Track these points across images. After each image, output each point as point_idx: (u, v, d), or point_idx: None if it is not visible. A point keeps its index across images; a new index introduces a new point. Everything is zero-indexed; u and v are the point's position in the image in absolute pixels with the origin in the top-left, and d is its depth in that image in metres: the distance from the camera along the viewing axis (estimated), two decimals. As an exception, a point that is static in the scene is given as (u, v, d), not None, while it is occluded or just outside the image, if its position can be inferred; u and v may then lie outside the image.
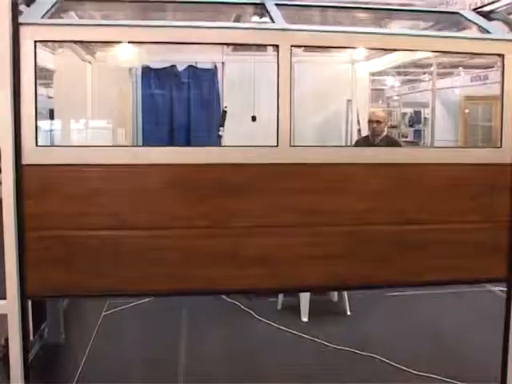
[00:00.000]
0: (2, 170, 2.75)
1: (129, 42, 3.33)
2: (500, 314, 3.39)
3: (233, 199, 2.92)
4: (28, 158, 2.73)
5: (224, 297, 5.63)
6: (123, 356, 4.33)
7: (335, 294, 5.52)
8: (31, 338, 4.00)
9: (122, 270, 2.89)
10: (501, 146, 3.09)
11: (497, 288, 5.72)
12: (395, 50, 3.54)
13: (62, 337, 4.45)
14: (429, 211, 3.10)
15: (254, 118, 6.59)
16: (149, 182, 2.87)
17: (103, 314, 5.08)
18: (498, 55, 3.06)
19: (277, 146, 2.91)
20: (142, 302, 5.44)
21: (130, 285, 2.92)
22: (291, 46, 2.88)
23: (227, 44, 3.31)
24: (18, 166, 2.72)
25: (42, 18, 2.79)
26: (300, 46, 3.07)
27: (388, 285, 3.55)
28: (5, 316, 2.91)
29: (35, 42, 2.70)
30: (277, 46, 2.89)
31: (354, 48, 3.45)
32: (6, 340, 3.03)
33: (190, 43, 3.12)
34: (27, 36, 2.66)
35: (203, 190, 2.89)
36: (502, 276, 3.22)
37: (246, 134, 6.50)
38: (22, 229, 2.76)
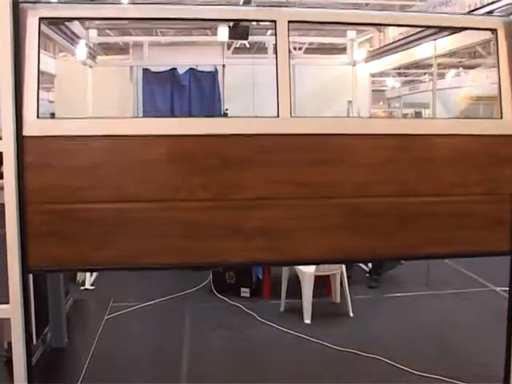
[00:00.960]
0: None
1: (126, 19, 3.35)
2: (503, 313, 3.40)
3: (233, 172, 2.92)
4: (29, 130, 2.73)
5: (226, 299, 5.64)
6: (126, 359, 4.34)
7: (338, 295, 5.52)
8: (34, 341, 4.00)
9: (124, 243, 2.89)
10: (501, 117, 3.10)
11: (499, 288, 5.71)
12: (389, 25, 3.55)
13: (65, 340, 4.45)
14: (431, 183, 3.08)
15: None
16: (150, 153, 2.86)
17: (106, 317, 5.08)
18: (491, 30, 3.12)
19: (277, 116, 2.93)
20: (144, 305, 5.44)
21: (132, 258, 2.92)
22: (288, 22, 2.94)
23: (225, 20, 3.32)
24: (19, 137, 2.72)
25: None
26: (296, 22, 3.10)
27: (390, 257, 3.53)
28: (8, 320, 2.92)
29: (39, 19, 2.78)
30: (274, 21, 2.95)
31: (349, 24, 3.45)
32: (10, 344, 3.03)
33: (189, 19, 3.14)
34: (33, 13, 2.74)
35: (204, 163, 2.89)
36: (505, 249, 3.21)
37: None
38: (23, 202, 2.75)
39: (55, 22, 3.70)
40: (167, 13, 3.01)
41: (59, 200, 2.82)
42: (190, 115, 7.64)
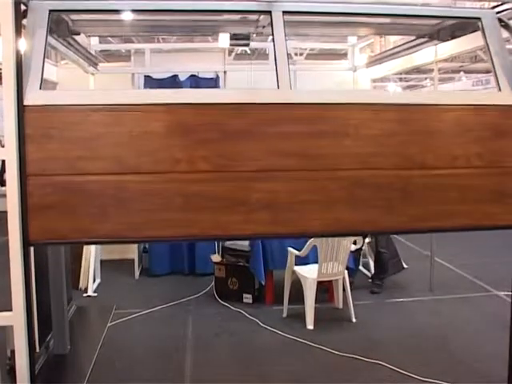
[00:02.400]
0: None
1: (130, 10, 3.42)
2: (506, 318, 3.39)
3: (235, 144, 2.92)
4: (30, 100, 2.75)
5: (229, 305, 5.64)
6: (129, 366, 4.34)
7: (340, 301, 5.52)
8: (37, 349, 4.00)
9: (125, 216, 2.89)
10: (500, 90, 3.16)
11: (503, 293, 5.71)
12: (379, 15, 3.62)
13: (68, 347, 4.45)
14: (433, 156, 3.09)
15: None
16: (150, 125, 2.87)
17: (109, 324, 5.08)
18: (476, 18, 3.34)
19: (278, 88, 2.97)
20: (147, 311, 5.45)
21: (133, 231, 2.92)
22: (283, 12, 3.11)
23: (221, 11, 3.39)
24: (20, 106, 2.73)
25: None
26: (291, 12, 3.18)
27: (392, 231, 3.52)
28: (11, 328, 2.92)
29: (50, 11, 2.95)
30: (269, 12, 3.12)
31: (338, 15, 3.52)
32: (13, 352, 3.03)
33: (189, 11, 3.23)
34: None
35: (205, 135, 2.89)
36: (508, 224, 3.22)
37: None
38: (24, 174, 2.76)
39: (63, 35, 3.76)
40: (166, 6, 3.14)
41: (60, 172, 2.82)
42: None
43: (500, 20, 3.36)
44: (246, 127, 2.93)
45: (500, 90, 3.17)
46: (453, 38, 3.97)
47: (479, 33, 3.37)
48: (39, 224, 2.82)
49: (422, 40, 4.27)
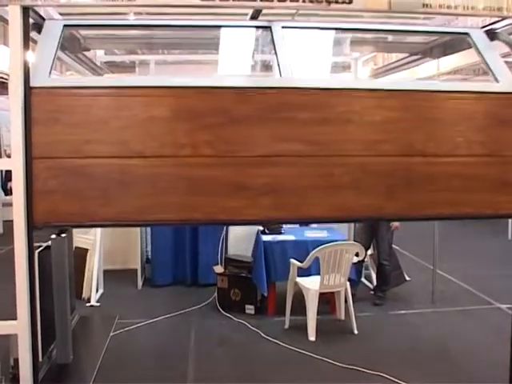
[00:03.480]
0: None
1: (136, 26, 3.54)
2: (508, 331, 3.41)
3: (239, 129, 2.96)
4: (37, 81, 2.80)
5: (231, 316, 5.65)
6: (132, 376, 4.34)
7: (342, 312, 5.52)
8: (40, 358, 4.01)
9: (130, 199, 2.92)
10: (497, 82, 3.24)
11: (505, 306, 5.70)
12: (371, 30, 3.76)
13: (71, 357, 4.45)
14: (436, 143, 3.14)
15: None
16: (155, 110, 2.92)
17: (111, 334, 5.08)
18: (465, 34, 3.51)
19: (280, 75, 3.05)
20: (150, 321, 5.46)
21: (138, 214, 2.95)
22: (282, 27, 3.25)
23: (227, 26, 3.54)
24: (27, 88, 2.78)
25: None
26: (289, 27, 3.28)
27: (395, 217, 3.54)
28: (14, 337, 2.94)
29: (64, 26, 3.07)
30: (269, 27, 3.27)
31: (331, 30, 3.65)
32: (16, 360, 3.05)
33: (198, 26, 3.51)
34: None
35: (209, 120, 2.94)
36: (510, 212, 3.24)
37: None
38: (30, 157, 2.80)
39: (75, 51, 3.86)
40: (175, 22, 3.23)
41: (65, 155, 2.86)
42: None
43: (488, 33, 3.46)
44: (250, 112, 2.97)
45: (498, 81, 3.23)
46: (444, 55, 4.08)
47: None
48: (44, 207, 2.85)
49: (416, 57, 4.38)
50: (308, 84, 3.06)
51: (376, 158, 3.08)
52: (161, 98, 2.94)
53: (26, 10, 2.80)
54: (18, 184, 2.80)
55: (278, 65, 3.08)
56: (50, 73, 2.86)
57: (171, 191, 2.94)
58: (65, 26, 3.07)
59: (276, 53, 3.12)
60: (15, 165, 2.79)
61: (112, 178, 2.90)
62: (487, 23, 3.79)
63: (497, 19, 3.57)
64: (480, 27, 3.63)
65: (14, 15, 2.77)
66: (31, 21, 2.90)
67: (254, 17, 3.39)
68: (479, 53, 3.41)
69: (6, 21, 2.91)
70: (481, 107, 3.20)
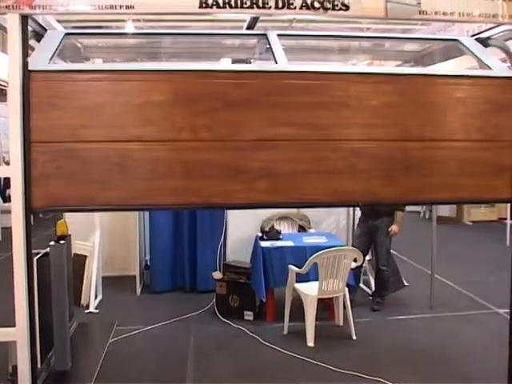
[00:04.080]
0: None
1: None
2: (506, 335, 3.41)
3: (236, 113, 2.99)
4: (35, 65, 2.83)
5: (230, 322, 5.65)
6: (130, 382, 4.33)
7: (341, 318, 5.52)
8: (39, 365, 4.01)
9: (127, 183, 2.94)
10: (491, 69, 3.29)
11: (502, 310, 5.71)
12: (366, 38, 3.83)
13: (69, 364, 4.45)
14: (432, 128, 3.16)
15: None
16: (153, 94, 2.94)
17: (110, 340, 5.09)
18: (454, 40, 3.60)
19: (276, 63, 3.09)
20: (148, 328, 5.45)
21: (135, 198, 2.97)
22: (277, 35, 3.33)
23: (225, 35, 3.60)
24: (25, 72, 2.80)
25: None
26: (284, 35, 3.33)
27: (392, 201, 3.55)
28: (12, 344, 2.94)
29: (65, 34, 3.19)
30: (265, 34, 3.36)
31: (327, 37, 3.72)
32: (14, 367, 3.05)
33: (196, 34, 3.42)
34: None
35: (206, 104, 2.96)
36: (508, 197, 3.26)
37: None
38: (28, 142, 2.82)
39: (76, 60, 3.92)
40: (177, 31, 3.27)
41: (63, 140, 2.88)
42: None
43: (482, 40, 3.55)
44: (246, 97, 3.00)
45: (491, 69, 3.29)
46: (435, 63, 4.14)
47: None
48: (42, 191, 2.88)
49: (409, 65, 4.43)
50: (304, 68, 3.09)
51: (372, 142, 3.11)
52: (158, 82, 2.97)
53: (24, 19, 2.82)
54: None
55: (274, 57, 3.11)
56: (50, 59, 2.90)
57: (169, 175, 2.97)
58: (66, 34, 3.11)
59: (273, 53, 3.16)
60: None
61: (110, 163, 2.93)
62: (482, 30, 3.83)
63: (488, 27, 3.61)
64: (470, 35, 3.67)
65: (13, 23, 2.79)
66: (30, 28, 2.93)
67: (251, 27, 3.44)
68: (471, 52, 3.46)
69: (4, 29, 2.93)
70: (477, 92, 3.23)
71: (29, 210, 2.86)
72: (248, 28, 3.52)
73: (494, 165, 3.23)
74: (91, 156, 2.91)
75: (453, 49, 3.80)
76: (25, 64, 2.82)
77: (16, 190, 2.83)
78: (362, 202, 3.58)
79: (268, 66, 3.15)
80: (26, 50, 2.83)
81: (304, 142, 3.05)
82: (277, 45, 3.23)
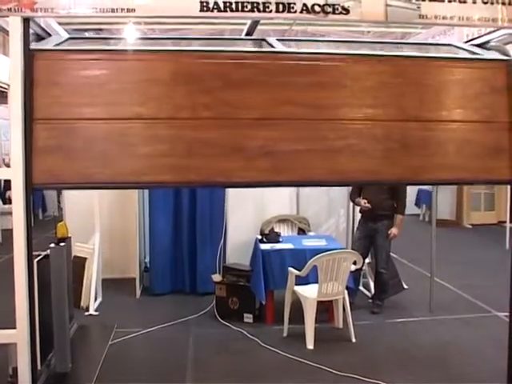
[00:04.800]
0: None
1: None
2: (506, 338, 3.42)
3: (236, 92, 3.02)
4: (38, 44, 2.90)
5: (230, 325, 5.65)
6: (130, 385, 4.34)
7: (340, 321, 5.53)
8: (39, 367, 4.01)
9: (127, 161, 2.96)
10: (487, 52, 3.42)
11: (502, 314, 5.71)
12: (361, 43, 3.91)
13: (69, 366, 4.46)
14: (429, 109, 3.20)
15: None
16: (154, 72, 2.97)
17: (110, 342, 5.09)
18: (448, 45, 3.64)
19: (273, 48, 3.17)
20: (148, 330, 5.46)
21: (135, 176, 2.99)
22: (276, 39, 3.37)
23: (219, 39, 3.66)
24: (26, 50, 2.82)
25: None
26: (283, 40, 3.37)
27: (393, 181, 3.57)
28: (12, 345, 2.95)
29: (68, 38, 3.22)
30: (264, 39, 3.43)
31: (323, 42, 3.78)
32: (14, 369, 3.06)
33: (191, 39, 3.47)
34: None
35: (207, 84, 2.99)
36: (506, 178, 3.29)
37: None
38: (30, 118, 2.83)
39: None
40: (174, 35, 3.30)
41: (65, 117, 2.91)
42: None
43: (481, 45, 3.62)
44: (247, 76, 3.04)
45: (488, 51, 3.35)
46: None
47: None
48: (43, 167, 2.89)
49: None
50: (303, 50, 3.15)
51: (370, 122, 3.15)
52: (159, 62, 3.01)
53: (26, 21, 2.84)
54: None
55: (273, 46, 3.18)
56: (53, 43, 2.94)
57: (169, 153, 2.98)
58: (69, 38, 3.13)
59: (271, 45, 3.21)
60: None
61: (110, 140, 2.95)
62: (482, 34, 3.85)
63: (488, 31, 3.63)
64: (470, 39, 3.69)
65: (15, 26, 2.80)
66: (31, 31, 2.94)
67: (251, 30, 3.46)
68: (464, 49, 3.51)
69: (6, 31, 2.94)
70: (472, 75, 3.27)
71: (29, 185, 2.88)
72: (248, 32, 3.54)
73: (493, 146, 3.26)
74: (92, 134, 2.94)
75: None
76: (26, 44, 2.84)
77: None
78: (363, 181, 3.59)
79: (268, 48, 3.19)
80: (27, 54, 2.84)
81: (303, 121, 3.09)
82: (276, 42, 3.26)
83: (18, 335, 2.88)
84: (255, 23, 3.37)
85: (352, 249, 6.11)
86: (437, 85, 3.22)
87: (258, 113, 3.04)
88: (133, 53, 3.02)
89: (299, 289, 5.35)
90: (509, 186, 2.98)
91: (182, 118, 2.98)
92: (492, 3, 3.13)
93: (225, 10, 2.91)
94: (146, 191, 6.83)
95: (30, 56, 2.84)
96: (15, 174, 2.85)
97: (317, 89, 3.09)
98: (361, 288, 6.70)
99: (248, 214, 7.08)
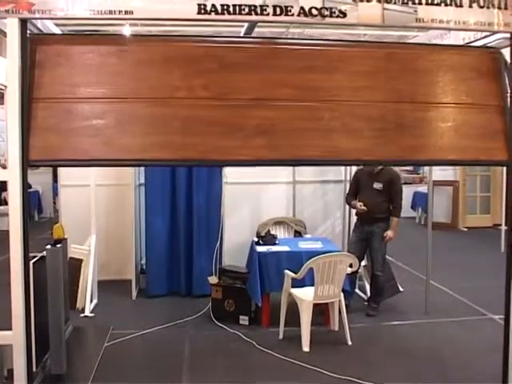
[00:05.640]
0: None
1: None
2: (501, 341, 3.43)
3: (232, 74, 3.07)
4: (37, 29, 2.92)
5: (225, 327, 5.65)
6: (125, 387, 4.34)
7: (336, 323, 5.53)
8: (34, 368, 4.01)
9: (124, 139, 2.99)
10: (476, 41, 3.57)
11: (497, 316, 5.73)
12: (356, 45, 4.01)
13: (65, 367, 4.45)
14: (422, 92, 3.27)
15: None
16: (151, 56, 3.03)
17: (105, 344, 5.09)
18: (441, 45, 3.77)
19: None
20: (144, 332, 5.45)
21: (131, 153, 3.00)
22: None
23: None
24: (24, 35, 2.84)
25: None
26: (279, 38, 3.46)
27: (388, 160, 3.61)
28: (8, 347, 2.94)
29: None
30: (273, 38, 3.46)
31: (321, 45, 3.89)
32: (9, 371, 3.05)
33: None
34: None
35: (203, 65, 3.05)
36: (503, 159, 3.32)
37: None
38: (28, 98, 2.86)
39: None
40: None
41: (63, 96, 2.95)
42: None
43: None
44: (242, 60, 3.10)
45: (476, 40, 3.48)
46: None
47: None
48: (40, 143, 2.93)
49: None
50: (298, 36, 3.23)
51: (364, 103, 3.20)
52: (156, 46, 3.08)
53: (23, 23, 2.84)
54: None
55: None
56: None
57: (165, 130, 3.02)
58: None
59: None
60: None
61: (107, 118, 2.98)
62: (478, 37, 3.87)
63: (484, 35, 3.66)
64: (466, 43, 3.74)
65: (12, 28, 2.80)
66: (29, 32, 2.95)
67: (248, 33, 3.49)
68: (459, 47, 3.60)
69: (4, 33, 2.94)
70: (462, 60, 3.35)
71: (26, 162, 2.89)
72: (245, 34, 3.56)
73: (487, 128, 3.32)
74: (89, 112, 2.98)
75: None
76: (24, 45, 2.85)
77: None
78: (358, 160, 3.62)
79: (262, 32, 3.28)
80: (25, 55, 2.85)
81: (298, 102, 3.14)
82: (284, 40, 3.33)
83: (14, 336, 2.88)
84: (252, 25, 3.39)
85: (348, 251, 6.13)
86: (429, 69, 3.31)
87: (254, 94, 3.10)
88: (130, 38, 3.09)
89: (295, 291, 5.36)
90: (505, 169, 3.00)
91: (179, 97, 3.04)
92: (488, 7, 3.16)
93: (222, 13, 2.92)
94: (143, 193, 6.83)
95: (29, 39, 2.90)
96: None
97: (311, 72, 3.16)
98: (357, 291, 6.71)
99: (244, 216, 7.08)
